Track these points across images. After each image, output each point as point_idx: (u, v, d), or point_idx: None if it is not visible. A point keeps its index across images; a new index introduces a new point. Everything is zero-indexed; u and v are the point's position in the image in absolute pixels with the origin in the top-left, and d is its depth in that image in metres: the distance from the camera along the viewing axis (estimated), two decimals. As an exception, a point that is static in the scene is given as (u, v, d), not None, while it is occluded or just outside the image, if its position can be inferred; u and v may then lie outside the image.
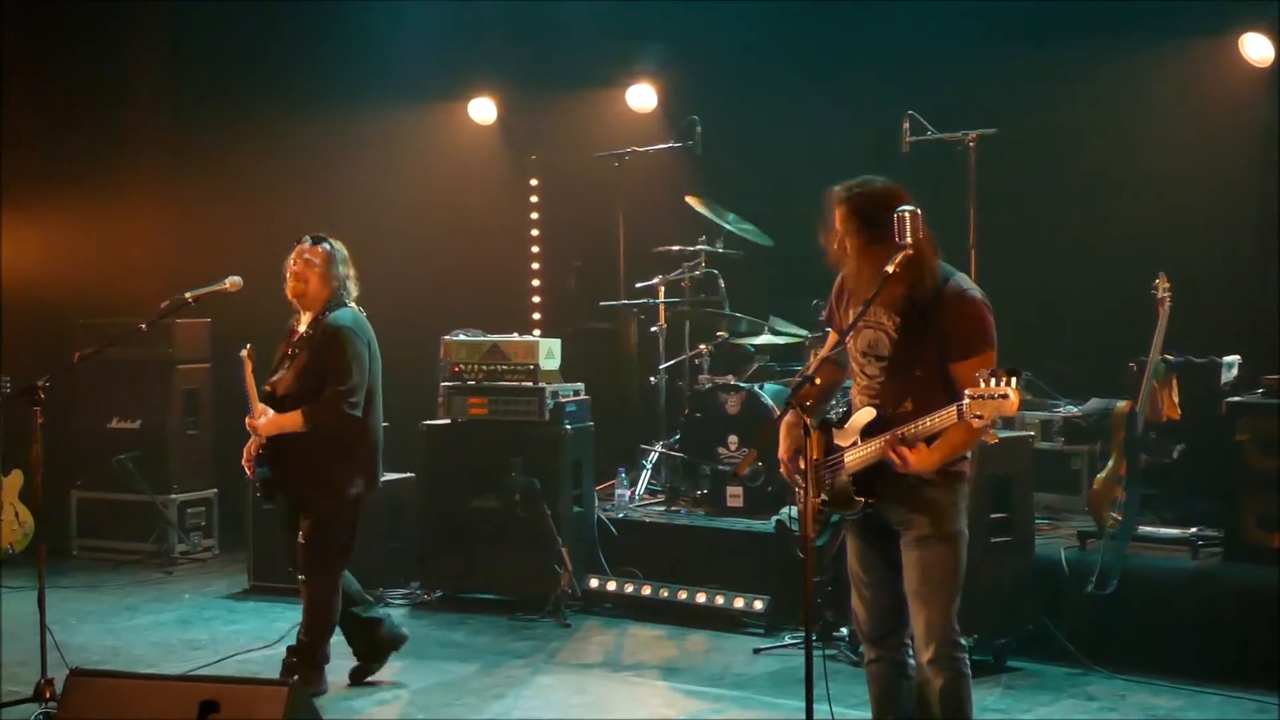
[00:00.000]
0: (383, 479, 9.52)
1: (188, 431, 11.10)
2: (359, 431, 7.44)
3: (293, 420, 7.30)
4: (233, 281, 7.49)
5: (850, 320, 5.40)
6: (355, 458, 7.45)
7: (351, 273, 7.60)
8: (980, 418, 4.89)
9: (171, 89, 12.33)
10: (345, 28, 11.69)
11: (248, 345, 7.41)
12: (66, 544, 11.09)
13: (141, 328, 7.74)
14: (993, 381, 4.86)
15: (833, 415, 5.61)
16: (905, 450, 5.15)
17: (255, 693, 5.05)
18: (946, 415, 5.06)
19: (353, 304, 7.56)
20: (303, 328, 7.51)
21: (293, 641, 7.53)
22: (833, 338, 5.66)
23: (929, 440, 5.16)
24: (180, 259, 11.22)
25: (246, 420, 7.40)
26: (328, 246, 7.51)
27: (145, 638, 8.76)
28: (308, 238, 7.53)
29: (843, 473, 5.39)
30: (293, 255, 7.50)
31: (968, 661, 5.38)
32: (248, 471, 7.51)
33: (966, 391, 4.92)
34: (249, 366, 7.37)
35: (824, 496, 5.44)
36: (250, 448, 7.45)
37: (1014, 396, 4.84)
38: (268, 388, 7.44)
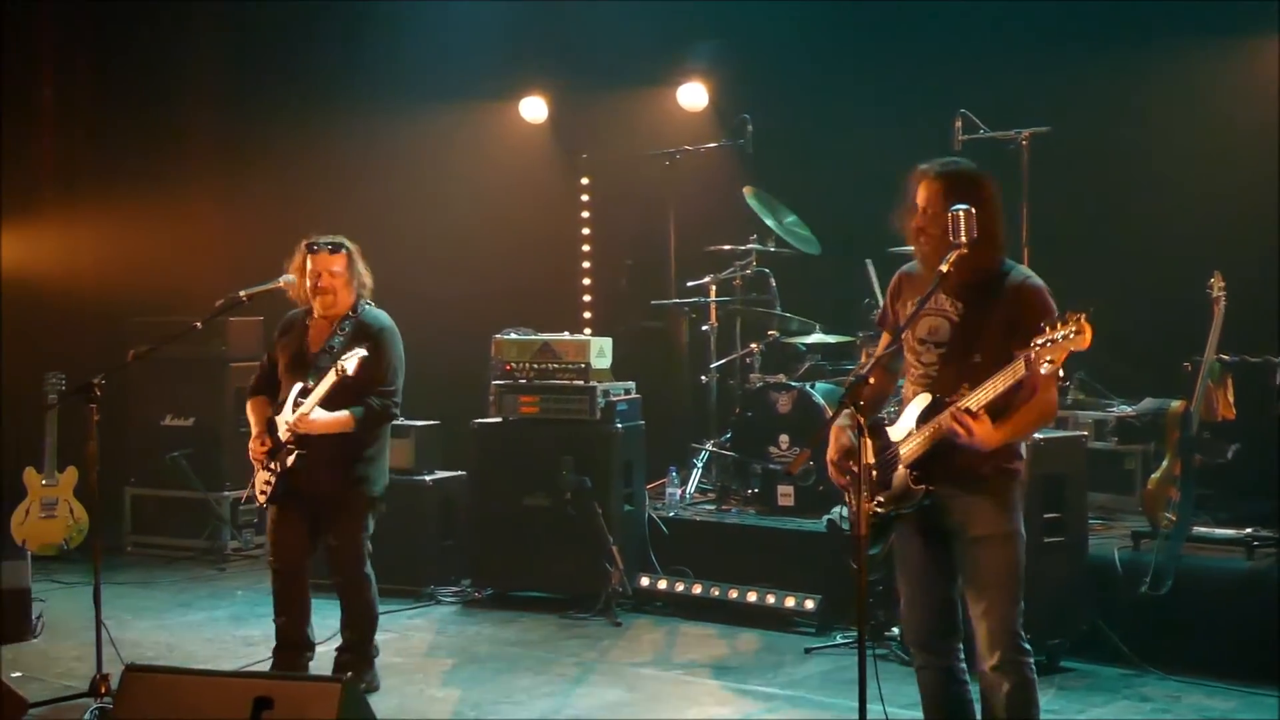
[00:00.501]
0: (434, 477, 9.67)
1: (240, 429, 11.07)
2: (386, 432, 7.52)
3: (343, 420, 7.21)
4: (286, 280, 7.46)
5: (910, 311, 5.33)
6: (382, 457, 7.49)
7: (362, 264, 7.52)
8: (1052, 362, 4.78)
9: (225, 87, 12.42)
10: (398, 27, 11.74)
11: (362, 352, 7.09)
12: (120, 540, 11.20)
13: (196, 326, 7.74)
14: (1059, 326, 4.77)
15: (884, 416, 5.53)
16: (969, 419, 5.02)
17: (309, 689, 5.07)
18: (1012, 370, 4.95)
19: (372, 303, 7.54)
20: (316, 319, 7.44)
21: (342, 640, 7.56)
22: (885, 339, 5.61)
23: (994, 418, 5.08)
24: (233, 257, 11.29)
25: (297, 414, 7.13)
26: (344, 250, 7.40)
27: (199, 634, 8.82)
28: (319, 247, 7.36)
29: (899, 464, 5.27)
30: (311, 267, 7.34)
31: (1033, 666, 5.29)
32: (261, 464, 7.29)
33: (1034, 340, 4.82)
34: (341, 371, 7.05)
35: (879, 498, 5.30)
36: (265, 441, 7.29)
37: (1087, 331, 4.73)
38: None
